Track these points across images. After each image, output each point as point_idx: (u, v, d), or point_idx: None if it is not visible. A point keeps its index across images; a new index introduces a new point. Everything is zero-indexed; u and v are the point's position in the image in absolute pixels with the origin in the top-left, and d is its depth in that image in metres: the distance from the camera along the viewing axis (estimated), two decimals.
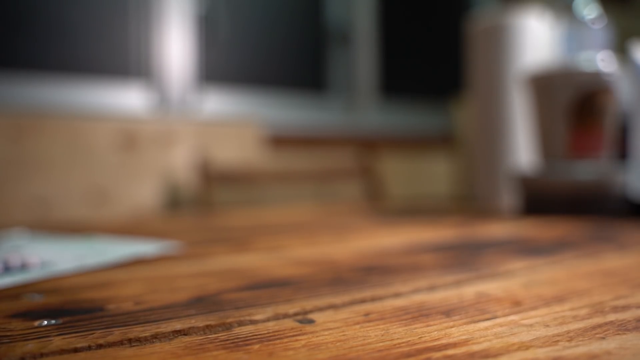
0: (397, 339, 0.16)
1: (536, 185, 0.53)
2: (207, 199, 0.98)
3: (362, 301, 0.20)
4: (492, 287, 0.22)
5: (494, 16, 0.61)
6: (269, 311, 0.19)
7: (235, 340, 0.16)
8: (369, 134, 1.57)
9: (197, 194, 1.13)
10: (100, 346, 0.15)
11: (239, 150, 1.20)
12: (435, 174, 1.63)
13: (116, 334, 0.16)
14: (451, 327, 0.17)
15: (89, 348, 0.15)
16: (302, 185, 1.12)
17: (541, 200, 0.52)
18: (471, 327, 0.17)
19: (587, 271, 0.25)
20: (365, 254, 0.30)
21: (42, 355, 0.15)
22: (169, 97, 1.32)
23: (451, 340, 0.16)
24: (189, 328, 0.17)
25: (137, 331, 0.16)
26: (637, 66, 0.54)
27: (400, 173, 1.58)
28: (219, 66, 1.41)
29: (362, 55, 1.62)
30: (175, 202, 1.12)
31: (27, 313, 0.19)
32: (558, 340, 0.15)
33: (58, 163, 1.01)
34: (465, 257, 0.29)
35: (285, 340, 0.16)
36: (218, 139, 1.18)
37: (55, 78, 1.21)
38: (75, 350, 0.15)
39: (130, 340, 0.16)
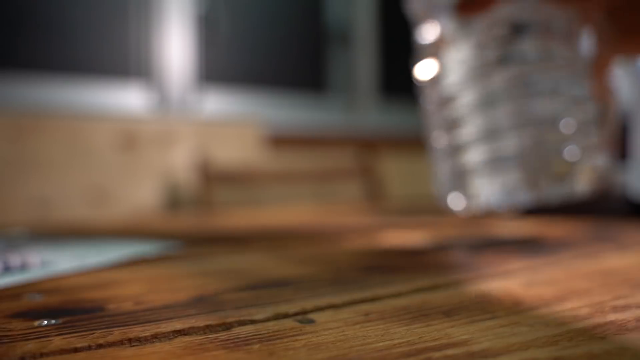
0: (397, 339, 0.16)
1: None
2: (207, 199, 0.98)
3: (362, 301, 0.20)
4: (492, 287, 0.22)
5: None
6: (269, 311, 0.19)
7: (235, 340, 0.16)
8: (369, 134, 1.57)
9: (197, 194, 1.13)
10: (100, 346, 0.15)
11: (239, 150, 1.20)
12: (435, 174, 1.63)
13: (116, 334, 0.16)
14: (451, 327, 0.17)
15: (89, 348, 0.15)
16: (302, 185, 1.12)
17: None
18: (471, 327, 0.17)
19: (587, 271, 0.25)
20: (365, 254, 0.30)
21: (42, 355, 0.15)
22: (169, 97, 1.32)
23: (451, 340, 0.16)
24: (189, 328, 0.17)
25: (137, 331, 0.16)
26: (637, 66, 0.54)
27: (400, 173, 1.58)
28: (219, 66, 1.41)
29: (362, 55, 1.62)
30: (175, 202, 1.12)
31: (27, 313, 0.19)
32: (558, 340, 0.15)
33: (58, 163, 1.01)
34: (465, 257, 0.29)
35: (285, 340, 0.16)
36: (218, 139, 1.18)
37: (55, 78, 1.21)
38: (75, 350, 0.15)
39: (130, 340, 0.16)
